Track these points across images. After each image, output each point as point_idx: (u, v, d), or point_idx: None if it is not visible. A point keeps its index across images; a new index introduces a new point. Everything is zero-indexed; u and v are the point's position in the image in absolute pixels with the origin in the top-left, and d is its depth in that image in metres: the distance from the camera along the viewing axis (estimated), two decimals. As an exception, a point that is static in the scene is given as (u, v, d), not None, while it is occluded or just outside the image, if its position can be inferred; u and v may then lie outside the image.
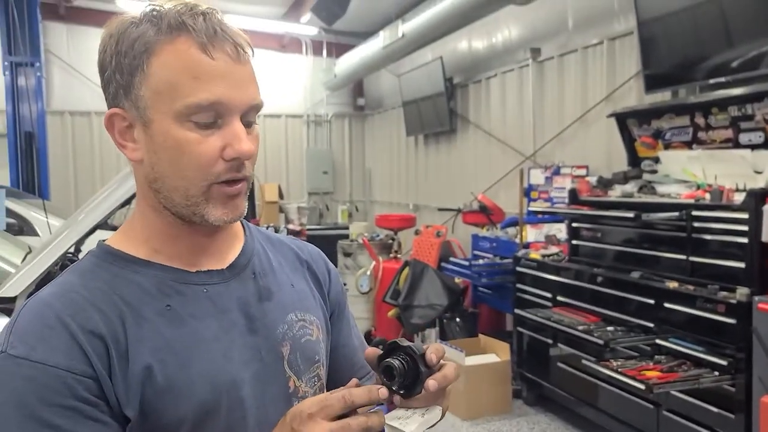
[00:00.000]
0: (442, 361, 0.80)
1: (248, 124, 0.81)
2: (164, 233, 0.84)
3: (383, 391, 0.73)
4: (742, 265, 2.86)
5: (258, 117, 0.84)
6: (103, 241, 0.86)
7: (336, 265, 3.66)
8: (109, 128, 0.83)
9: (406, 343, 0.76)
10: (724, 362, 2.79)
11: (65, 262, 2.85)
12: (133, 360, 0.75)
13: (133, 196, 2.52)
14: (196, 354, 0.79)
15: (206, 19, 0.78)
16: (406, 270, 5.35)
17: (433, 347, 0.77)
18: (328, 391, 0.90)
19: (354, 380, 0.79)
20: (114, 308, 0.77)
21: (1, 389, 0.71)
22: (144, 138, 0.80)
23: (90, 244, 3.15)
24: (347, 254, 6.42)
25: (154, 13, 0.78)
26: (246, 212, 0.84)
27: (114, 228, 6.01)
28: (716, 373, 2.83)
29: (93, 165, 8.81)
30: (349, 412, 0.71)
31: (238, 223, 0.92)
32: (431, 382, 0.74)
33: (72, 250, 2.99)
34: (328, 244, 5.64)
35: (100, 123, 8.82)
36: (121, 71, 0.78)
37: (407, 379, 0.74)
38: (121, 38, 0.78)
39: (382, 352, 0.78)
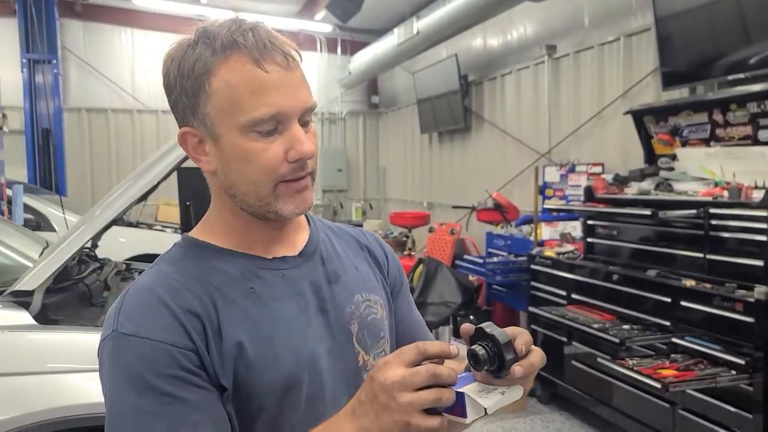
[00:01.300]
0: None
1: (305, 124, 0.88)
2: (241, 229, 0.93)
3: (454, 348, 0.77)
4: (760, 263, 2.82)
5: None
6: (187, 234, 0.96)
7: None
8: (183, 145, 0.91)
9: (489, 330, 0.78)
10: (741, 361, 2.76)
11: (82, 257, 2.88)
12: (226, 337, 0.84)
13: (149, 191, 2.54)
14: (279, 331, 0.87)
15: (255, 33, 0.84)
16: (420, 267, 5.35)
17: (522, 338, 0.79)
18: None
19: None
20: (205, 291, 0.86)
21: (117, 363, 0.80)
22: (215, 151, 0.88)
23: (107, 239, 3.16)
24: (361, 251, 6.42)
25: (207, 33, 0.85)
26: (313, 204, 0.92)
27: (131, 224, 6.07)
28: (733, 372, 2.80)
29: (109, 161, 8.89)
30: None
31: (303, 215, 1.00)
32: (518, 368, 0.77)
33: (89, 245, 3.02)
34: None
35: (116, 119, 8.92)
36: (186, 93, 0.86)
37: (492, 365, 0.77)
38: (182, 62, 0.85)
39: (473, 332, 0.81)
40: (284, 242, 0.95)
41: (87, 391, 1.92)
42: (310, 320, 0.91)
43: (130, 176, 2.44)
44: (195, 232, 0.95)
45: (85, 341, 2.03)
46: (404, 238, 6.78)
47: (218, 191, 0.92)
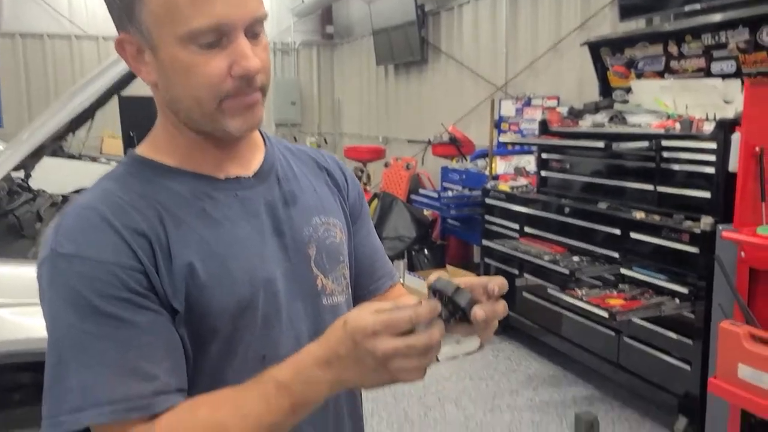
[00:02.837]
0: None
1: (254, 36, 0.81)
2: (188, 146, 0.87)
3: (434, 305, 0.74)
4: (707, 195, 2.86)
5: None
6: (133, 149, 0.89)
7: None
8: (121, 53, 0.84)
9: (450, 293, 0.73)
10: (685, 290, 2.83)
11: (13, 187, 2.71)
12: (176, 258, 0.80)
13: (85, 114, 2.38)
14: (234, 252, 0.84)
15: None
16: (375, 202, 5.31)
17: (495, 282, 0.77)
18: (353, 290, 1.01)
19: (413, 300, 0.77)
20: (152, 210, 0.81)
21: (56, 285, 0.76)
22: (154, 62, 0.81)
23: (46, 171, 2.98)
24: (315, 186, 6.33)
25: None
26: (263, 120, 0.87)
27: (72, 156, 5.80)
28: (677, 300, 2.88)
29: (48, 89, 8.42)
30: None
31: (258, 134, 0.96)
32: (479, 312, 0.73)
33: (21, 175, 2.85)
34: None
35: (53, 46, 8.42)
36: None
37: (456, 315, 0.74)
38: None
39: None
40: (237, 161, 0.90)
41: (17, 326, 1.81)
42: (265, 242, 0.88)
43: (61, 99, 2.26)
44: (141, 149, 0.89)
45: (14, 274, 1.91)
46: (359, 173, 6.69)
47: (161, 106, 0.86)
